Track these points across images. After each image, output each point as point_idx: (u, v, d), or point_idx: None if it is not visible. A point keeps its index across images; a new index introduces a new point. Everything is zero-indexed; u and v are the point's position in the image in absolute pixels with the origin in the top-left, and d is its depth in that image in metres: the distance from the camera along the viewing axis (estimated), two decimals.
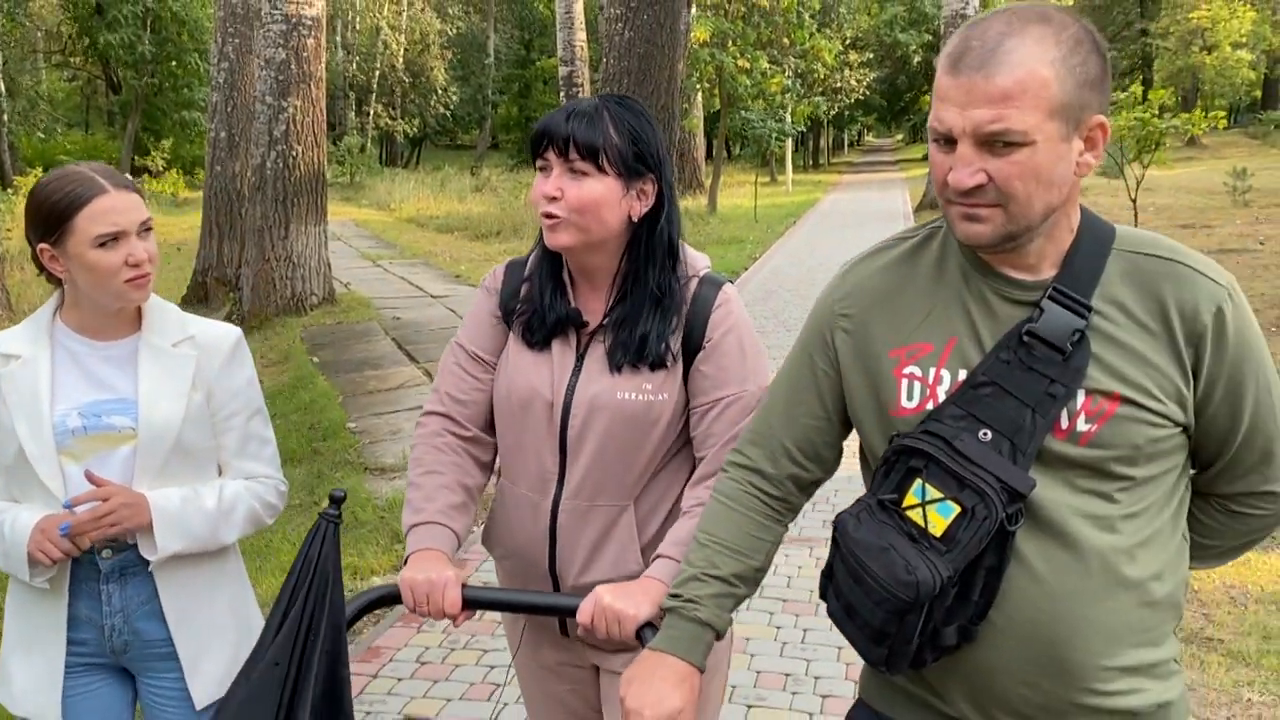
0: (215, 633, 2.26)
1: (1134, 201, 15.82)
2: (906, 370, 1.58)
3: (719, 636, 1.72)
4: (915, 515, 1.50)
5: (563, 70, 23.41)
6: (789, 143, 32.65)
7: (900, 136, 73.44)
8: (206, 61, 34.47)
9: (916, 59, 43.30)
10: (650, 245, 2.01)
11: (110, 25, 33.68)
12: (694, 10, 22.04)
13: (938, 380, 1.56)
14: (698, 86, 24.49)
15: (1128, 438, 1.47)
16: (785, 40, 25.42)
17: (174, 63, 35.65)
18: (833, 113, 41.87)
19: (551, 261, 2.05)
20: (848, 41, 37.52)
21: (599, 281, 2.04)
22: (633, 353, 1.98)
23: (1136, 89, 16.66)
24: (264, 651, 1.68)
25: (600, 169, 1.93)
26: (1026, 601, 1.49)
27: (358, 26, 41.31)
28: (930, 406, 1.55)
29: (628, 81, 11.31)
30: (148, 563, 2.18)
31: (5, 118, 32.15)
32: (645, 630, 1.80)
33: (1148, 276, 1.50)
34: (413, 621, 4.45)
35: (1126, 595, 1.49)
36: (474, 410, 2.11)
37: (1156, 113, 15.35)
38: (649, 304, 2.00)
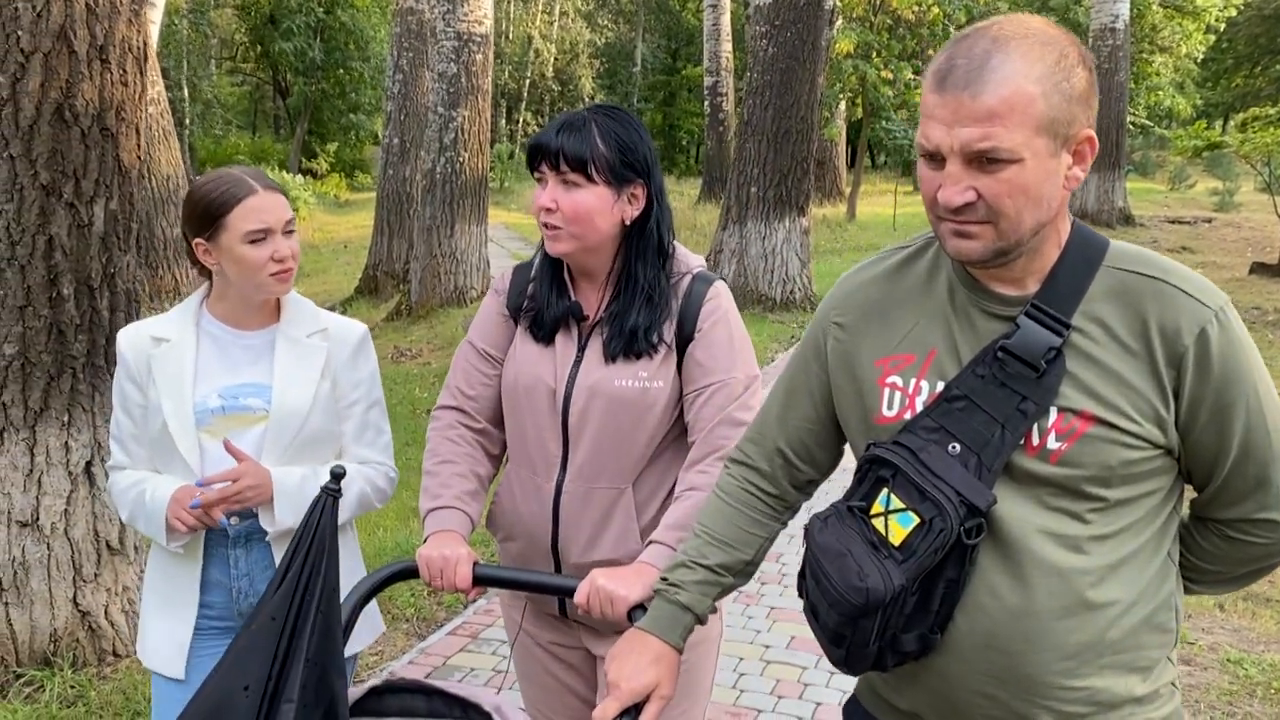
0: None
1: None
2: (889, 380, 1.58)
3: (700, 620, 1.75)
4: (879, 523, 1.50)
5: (708, 80, 24.00)
6: None
7: None
8: (371, 68, 36.06)
9: None
10: (641, 245, 2.11)
11: (284, 34, 35.12)
12: (840, 22, 22.34)
13: (916, 391, 1.55)
14: (840, 96, 24.67)
15: (1099, 458, 1.43)
16: (930, 52, 25.40)
17: (341, 70, 37.07)
18: None
19: (553, 262, 2.18)
20: None
21: (596, 279, 2.15)
22: (624, 344, 2.08)
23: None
24: (264, 607, 1.74)
25: (590, 179, 2.03)
26: (985, 615, 1.47)
27: (511, 36, 42.37)
28: (908, 416, 1.54)
29: (770, 94, 11.84)
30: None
31: (187, 120, 34.20)
32: (635, 611, 1.89)
33: (1133, 294, 1.45)
34: None
35: (1089, 617, 1.45)
36: (483, 404, 2.22)
37: None
38: (640, 299, 2.10)
